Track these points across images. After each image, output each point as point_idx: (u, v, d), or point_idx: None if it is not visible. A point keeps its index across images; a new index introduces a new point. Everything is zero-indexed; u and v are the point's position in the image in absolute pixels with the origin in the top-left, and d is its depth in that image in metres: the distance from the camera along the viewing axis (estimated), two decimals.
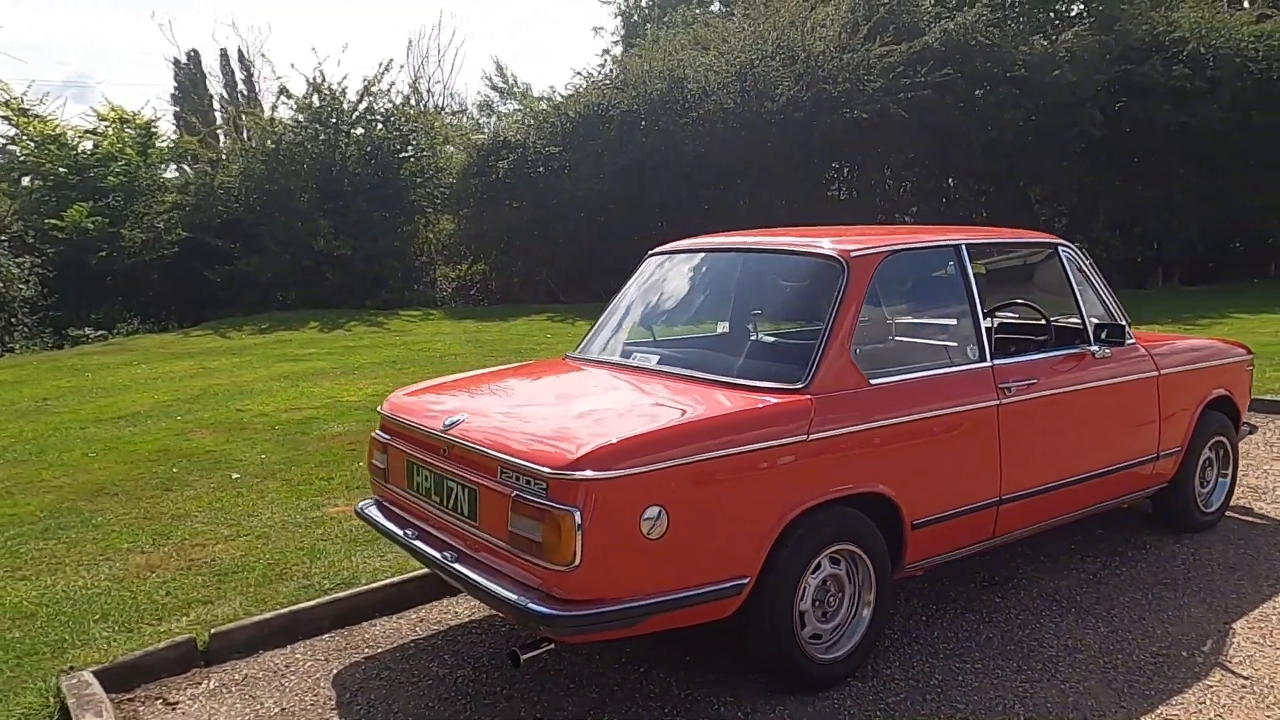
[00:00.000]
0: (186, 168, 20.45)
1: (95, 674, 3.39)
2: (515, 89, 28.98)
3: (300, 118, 19.51)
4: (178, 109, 33.66)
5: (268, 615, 3.85)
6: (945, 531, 3.52)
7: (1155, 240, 20.13)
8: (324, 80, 19.47)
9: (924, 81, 17.57)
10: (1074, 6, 23.27)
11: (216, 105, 35.16)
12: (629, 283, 4.35)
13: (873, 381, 3.33)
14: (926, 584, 4.11)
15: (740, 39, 19.08)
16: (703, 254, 4.23)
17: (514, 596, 2.78)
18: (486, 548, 3.00)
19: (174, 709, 3.35)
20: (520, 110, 21.25)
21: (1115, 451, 4.19)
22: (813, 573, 3.15)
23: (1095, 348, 4.10)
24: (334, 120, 19.34)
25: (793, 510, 3.03)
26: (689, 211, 18.98)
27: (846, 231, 3.95)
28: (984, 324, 3.70)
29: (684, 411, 3.06)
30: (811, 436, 3.09)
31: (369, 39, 44.18)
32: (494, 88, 29.52)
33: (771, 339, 3.77)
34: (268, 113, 20.89)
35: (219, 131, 24.11)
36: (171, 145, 20.29)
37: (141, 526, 5.24)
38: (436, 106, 22.57)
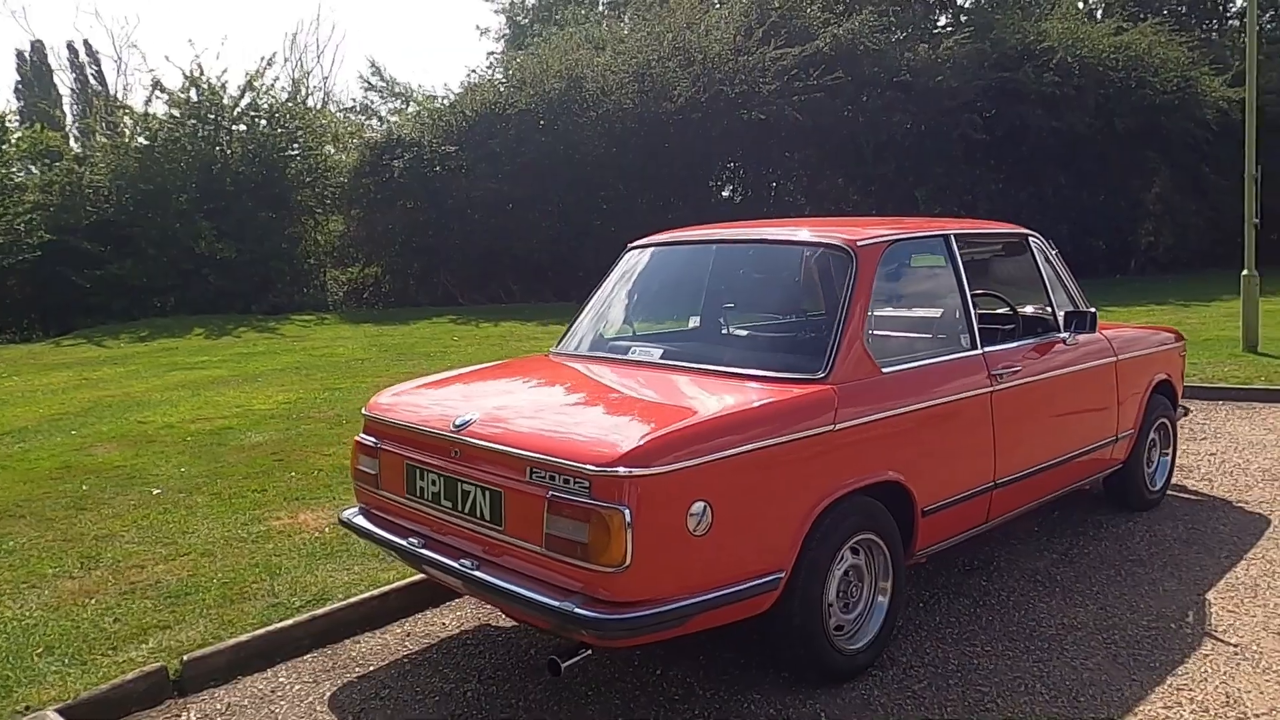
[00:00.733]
0: (34, 167, 18.96)
1: (59, 712, 3.06)
2: (395, 89, 28.26)
3: (176, 113, 18.46)
4: (22, 104, 31.47)
5: (244, 637, 3.56)
6: (950, 517, 3.56)
7: None
8: (202, 74, 18.49)
9: (816, 84, 18.02)
10: (946, 16, 24.33)
11: (66, 100, 32.96)
12: (609, 276, 4.24)
13: (884, 370, 3.33)
14: (915, 572, 4.15)
15: (637, 39, 19.13)
16: (691, 246, 4.17)
17: (555, 602, 2.64)
18: (514, 552, 2.84)
19: None
20: (418, 109, 20.65)
21: (1084, 435, 4.34)
22: (837, 564, 3.12)
23: (1065, 335, 4.23)
24: (214, 116, 18.41)
25: (823, 501, 3.00)
26: (588, 211, 18.93)
27: (832, 222, 3.95)
28: (974, 313, 3.77)
29: (718, 404, 2.98)
30: (837, 426, 3.07)
31: (247, 33, 42.15)
32: (370, 87, 28.69)
33: (780, 330, 3.73)
34: (140, 107, 19.71)
35: (75, 128, 22.62)
36: (27, 142, 18.85)
37: (63, 549, 4.80)
38: (323, 103, 21.73)
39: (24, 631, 3.79)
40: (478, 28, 57.26)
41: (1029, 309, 4.49)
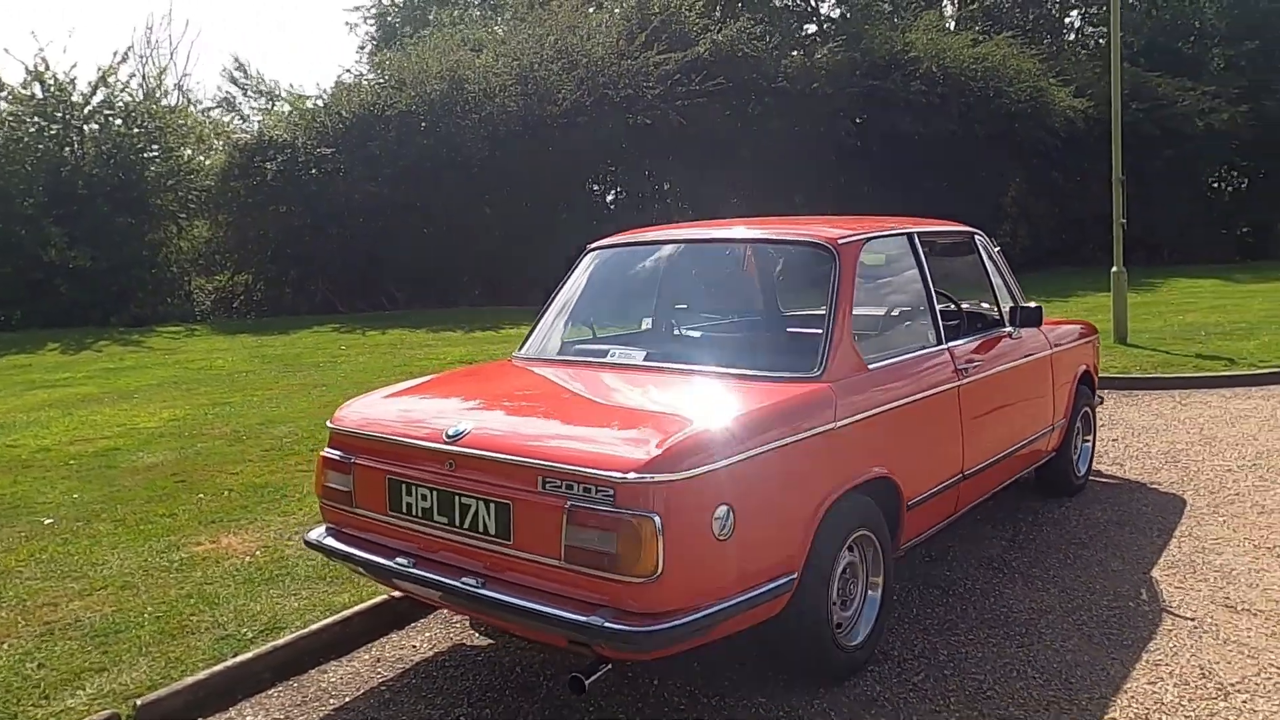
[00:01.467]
0: None
1: None
2: (260, 86, 27.03)
3: (19, 110, 17.06)
4: None
5: (200, 675, 3.26)
6: (928, 510, 3.62)
7: None
8: (47, 68, 17.16)
9: (698, 89, 18.26)
10: (815, 24, 25.12)
11: None
12: (570, 278, 4.12)
13: (870, 367, 3.35)
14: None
15: (518, 41, 18.91)
16: (660, 246, 4.09)
17: (581, 617, 2.52)
18: (524, 567, 2.70)
19: None
20: (290, 109, 19.76)
21: (1030, 425, 4.51)
22: (839, 561, 3.12)
23: (1010, 329, 4.38)
24: (63, 115, 17.11)
25: (827, 500, 2.98)
26: (472, 215, 18.57)
27: (798, 221, 3.96)
28: (938, 309, 3.85)
29: (731, 406, 2.91)
30: (837, 424, 3.06)
31: (95, 27, 39.27)
32: (234, 83, 27.33)
33: (767, 329, 3.70)
34: None
35: None
36: None
37: None
38: (183, 102, 20.53)
39: None
40: (347, 24, 55.42)
41: (965, 304, 4.63)
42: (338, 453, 3.26)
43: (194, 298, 18.94)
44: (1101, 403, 5.82)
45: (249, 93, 26.88)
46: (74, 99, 17.32)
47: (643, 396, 3.22)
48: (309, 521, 5.09)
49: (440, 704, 3.20)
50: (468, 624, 3.85)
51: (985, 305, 4.58)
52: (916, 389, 3.53)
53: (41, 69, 17.11)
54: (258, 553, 4.65)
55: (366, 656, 3.60)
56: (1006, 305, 4.45)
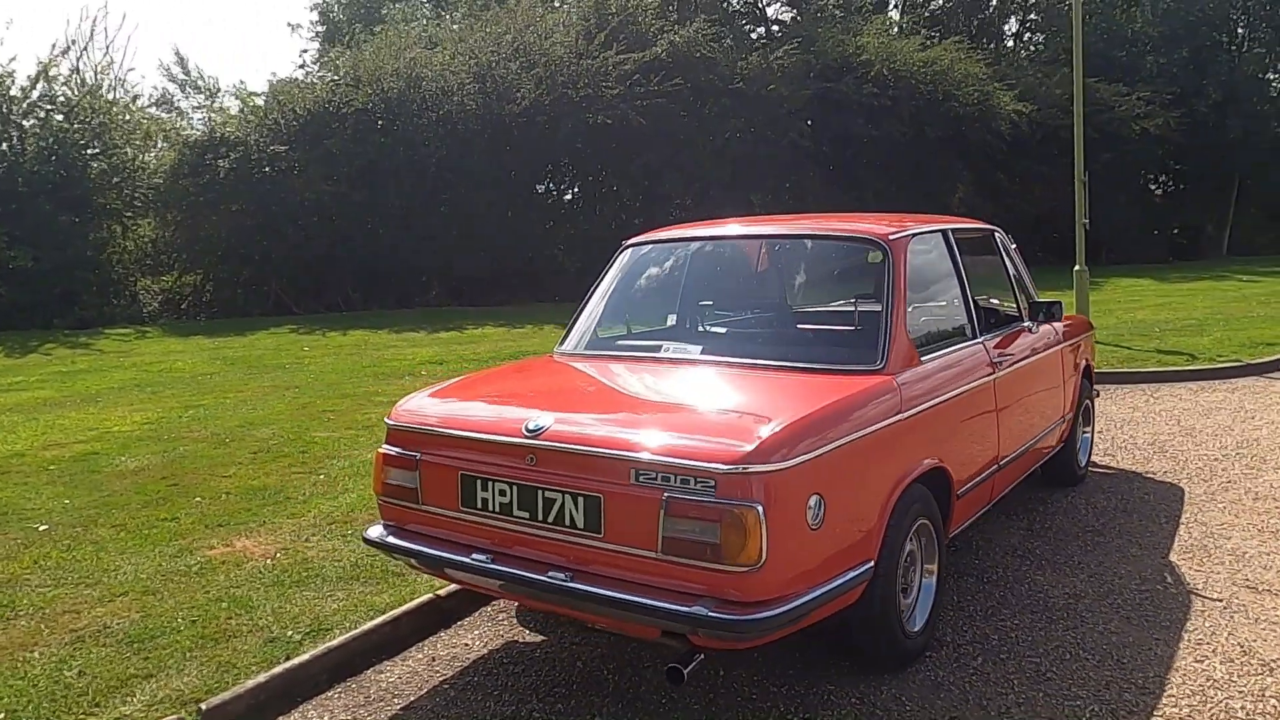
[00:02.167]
0: None
1: None
2: (199, 82, 26.37)
3: None
4: None
5: (260, 679, 3.19)
6: (972, 500, 3.71)
7: None
8: None
9: (657, 90, 18.33)
10: (767, 27, 25.38)
11: None
12: (609, 274, 4.11)
13: (922, 360, 3.43)
14: None
15: (475, 39, 18.77)
16: (702, 242, 4.12)
17: (683, 608, 2.53)
18: (615, 560, 2.70)
19: None
20: (243, 106, 19.30)
21: (1048, 417, 4.64)
22: (905, 549, 3.18)
23: (1029, 324, 4.51)
24: (1, 109, 16.47)
25: (897, 489, 3.04)
26: (431, 214, 18.40)
27: (835, 217, 4.03)
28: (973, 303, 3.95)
29: (814, 397, 2.95)
30: (903, 415, 3.13)
31: (29, 19, 37.70)
32: (172, 79, 26.60)
33: (825, 322, 3.74)
34: None
35: None
36: None
37: None
38: (126, 97, 19.92)
39: None
40: (289, 25, 54.34)
41: (979, 300, 4.75)
42: (398, 449, 3.22)
43: (140, 299, 18.39)
44: (1098, 395, 6.01)
45: (187, 89, 26.23)
46: (13, 93, 16.69)
47: (715, 390, 3.24)
48: (321, 524, 5.03)
49: (509, 700, 3.18)
50: (515, 620, 3.84)
51: (994, 301, 4.71)
52: (962, 381, 3.62)
53: None
54: (278, 555, 4.56)
55: (420, 656, 3.56)
56: (1024, 300, 4.58)
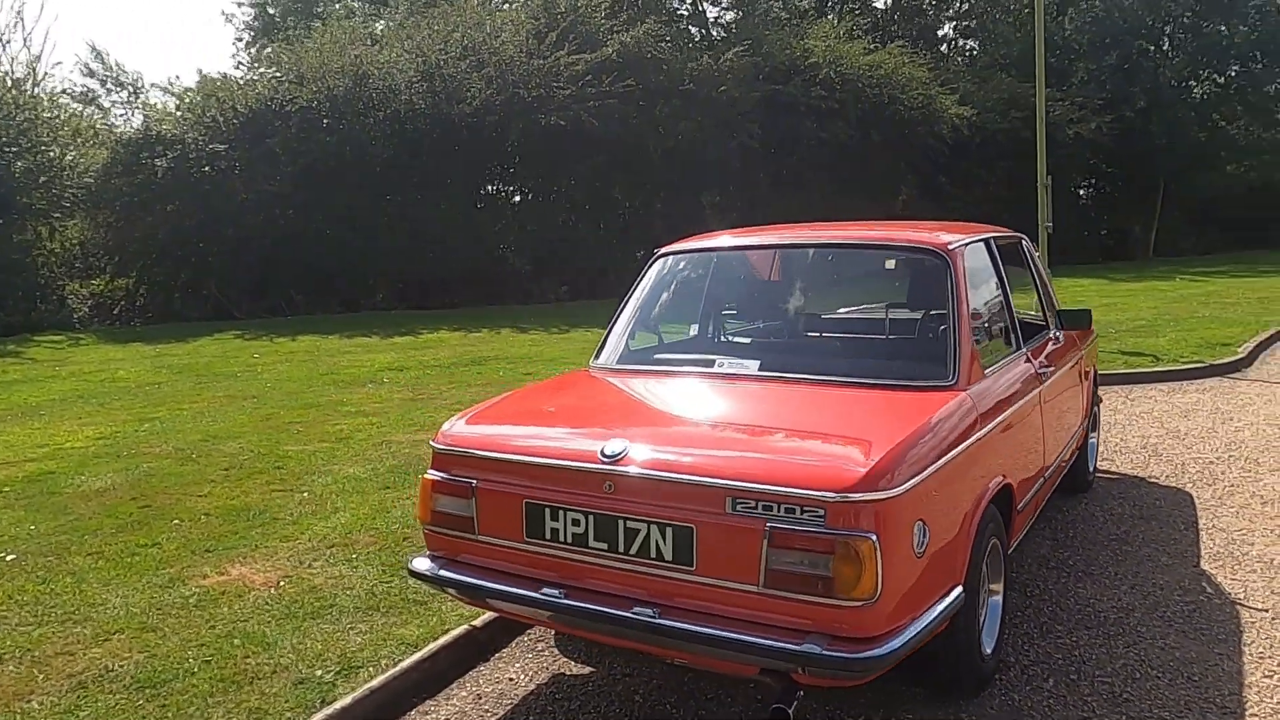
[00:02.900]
0: None
1: None
2: (124, 78, 25.34)
3: None
4: None
5: None
6: (1027, 514, 3.63)
7: None
8: None
9: (609, 91, 18.16)
10: (703, 31, 25.40)
11: None
12: (644, 285, 3.91)
13: (985, 374, 3.33)
14: None
15: (422, 37, 18.35)
16: (749, 251, 3.95)
17: (792, 646, 2.37)
18: (709, 594, 2.52)
19: None
20: (180, 103, 18.51)
21: (1075, 424, 4.61)
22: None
23: (1056, 332, 4.47)
24: None
25: (979, 509, 2.93)
26: (377, 215, 17.94)
27: (883, 225, 3.92)
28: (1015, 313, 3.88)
29: (908, 419, 2.80)
30: (980, 432, 3.02)
31: None
32: (90, 74, 25.44)
33: (888, 336, 3.61)
34: None
35: None
36: None
37: None
38: (61, 91, 18.96)
39: None
40: (223, 13, 52.55)
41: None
42: (449, 475, 3.00)
43: (69, 304, 17.53)
44: (1101, 402, 6.03)
45: (109, 85, 25.18)
46: None
47: (794, 410, 3.08)
48: (320, 548, 4.74)
49: None
50: (556, 650, 3.63)
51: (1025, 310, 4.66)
52: (1018, 394, 3.53)
53: None
54: (282, 584, 4.27)
55: (464, 693, 3.33)
56: (1050, 308, 4.53)
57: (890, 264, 3.75)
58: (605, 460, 2.67)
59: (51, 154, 17.08)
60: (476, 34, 18.25)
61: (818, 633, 2.40)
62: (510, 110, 17.67)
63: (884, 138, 21.88)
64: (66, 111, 18.57)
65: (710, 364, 3.44)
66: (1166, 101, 27.47)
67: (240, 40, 29.73)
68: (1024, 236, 4.67)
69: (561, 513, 2.74)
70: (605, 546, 2.67)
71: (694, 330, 3.96)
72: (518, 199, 20.24)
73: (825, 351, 3.68)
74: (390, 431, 7.49)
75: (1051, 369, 4.09)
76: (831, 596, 2.37)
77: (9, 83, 17.31)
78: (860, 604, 2.37)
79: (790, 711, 2.45)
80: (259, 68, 19.65)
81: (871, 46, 23.04)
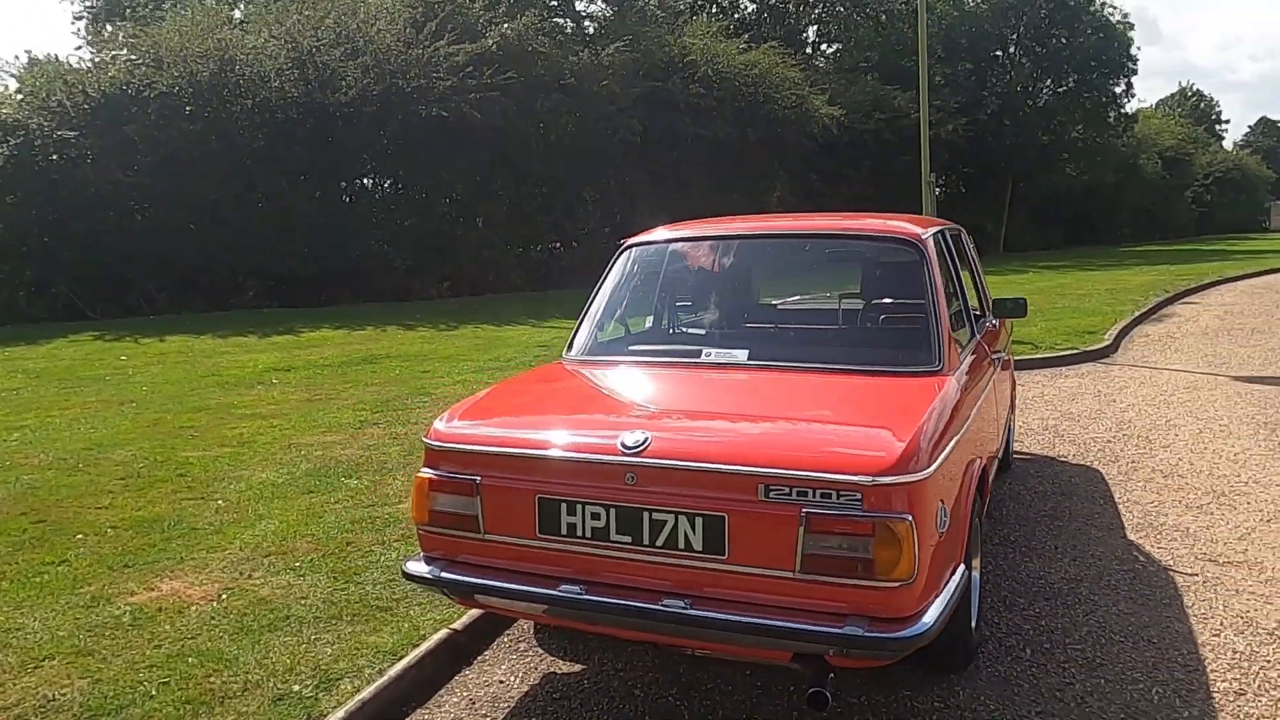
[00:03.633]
0: None
1: None
2: None
3: None
4: None
5: None
6: (988, 493, 3.78)
7: None
8: None
9: (490, 83, 17.87)
10: (574, 24, 25.33)
11: None
12: (613, 276, 3.83)
13: (959, 359, 3.45)
14: None
15: (293, 22, 17.54)
16: (724, 241, 3.94)
17: (833, 629, 2.38)
18: (743, 583, 2.51)
19: None
20: (20, 85, 17.01)
21: (1007, 409, 4.84)
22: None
23: (993, 320, 4.68)
24: None
25: (970, 490, 3.03)
26: (247, 209, 17.08)
27: (855, 216, 4.00)
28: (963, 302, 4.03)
29: (909, 403, 2.86)
30: (968, 416, 3.12)
31: None
32: None
33: (860, 324, 3.66)
34: None
35: None
36: None
37: None
38: None
39: None
40: None
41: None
42: (448, 473, 2.86)
43: None
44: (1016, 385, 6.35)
45: None
46: None
47: (801, 397, 3.09)
48: (255, 557, 4.47)
49: None
50: (540, 649, 3.54)
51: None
52: (983, 378, 3.68)
53: None
54: (224, 596, 4.00)
55: (455, 699, 3.20)
56: (987, 297, 4.74)
57: (862, 253, 3.84)
58: (626, 451, 2.61)
59: None
60: (350, 21, 17.60)
61: (855, 615, 2.42)
62: (388, 100, 17.13)
63: (760, 136, 22.39)
64: None
65: (696, 354, 3.43)
66: (1016, 106, 29.28)
67: (81, 19, 27.67)
68: (962, 229, 4.87)
69: (580, 507, 2.67)
70: (629, 539, 2.62)
71: (667, 322, 3.94)
72: (396, 192, 19.64)
73: (810, 340, 3.72)
74: (294, 434, 7.14)
75: (997, 355, 4.28)
76: (871, 578, 2.40)
77: None
78: (899, 584, 2.40)
79: (829, 693, 2.47)
80: (111, 49, 18.26)
81: (745, 46, 23.54)
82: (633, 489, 2.61)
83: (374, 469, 6.01)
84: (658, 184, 21.76)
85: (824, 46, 34.16)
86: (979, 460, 3.31)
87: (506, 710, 3.13)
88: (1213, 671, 3.21)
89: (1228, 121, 60.13)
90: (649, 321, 3.94)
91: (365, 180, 19.14)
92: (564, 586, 2.67)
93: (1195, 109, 54.53)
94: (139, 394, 9.24)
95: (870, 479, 2.41)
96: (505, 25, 18.81)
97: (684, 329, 3.87)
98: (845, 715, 3.01)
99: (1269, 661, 3.27)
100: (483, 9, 19.15)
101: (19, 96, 16.24)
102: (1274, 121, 71.01)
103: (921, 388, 3.01)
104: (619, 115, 20.21)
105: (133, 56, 16.73)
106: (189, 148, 16.02)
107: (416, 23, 17.86)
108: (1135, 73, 31.60)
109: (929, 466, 2.52)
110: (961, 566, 2.85)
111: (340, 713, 2.91)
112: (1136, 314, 12.91)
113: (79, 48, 27.66)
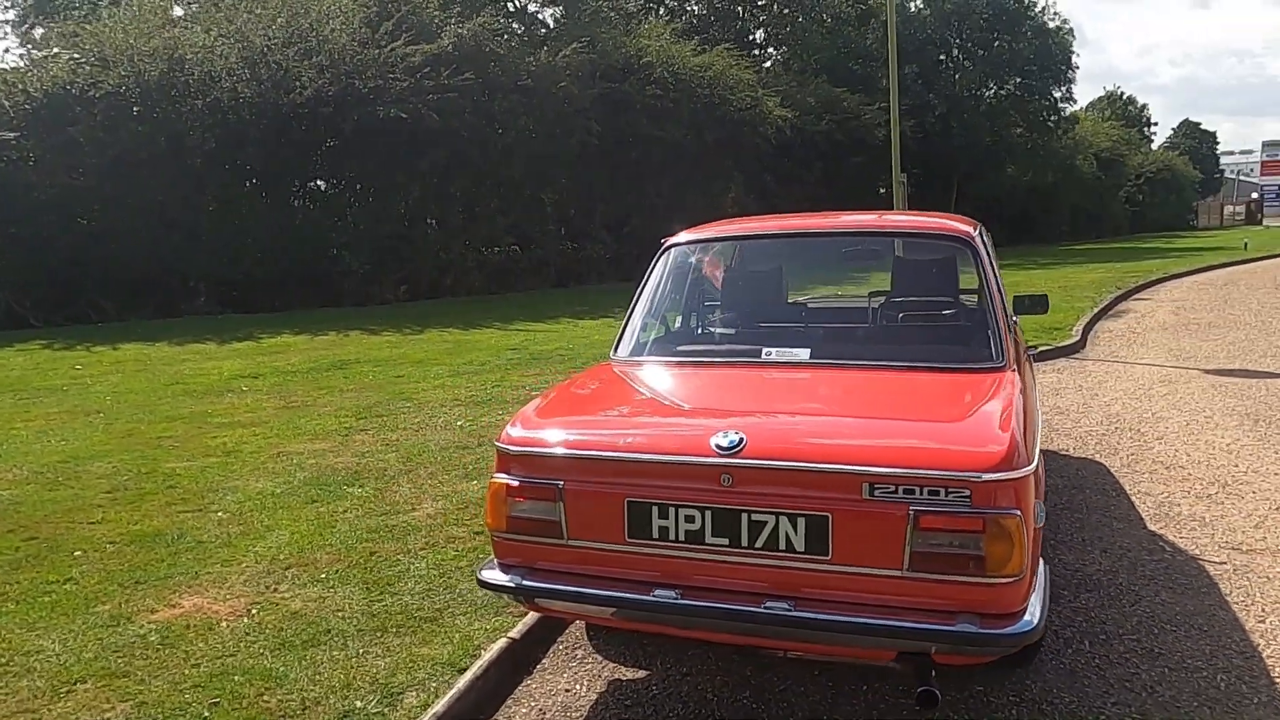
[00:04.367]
0: None
1: None
2: None
3: None
4: None
5: None
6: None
7: (640, 239, 22.89)
8: None
9: (447, 84, 17.65)
10: (535, 27, 25.19)
11: None
12: (659, 276, 3.77)
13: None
14: None
15: (243, 20, 17.10)
16: (777, 240, 3.90)
17: (947, 627, 2.37)
18: (848, 582, 2.48)
19: None
20: None
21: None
22: None
23: (1015, 316, 4.72)
24: None
25: (1043, 482, 3.05)
26: (198, 213, 16.62)
27: (904, 214, 3.99)
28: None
29: (995, 399, 2.85)
30: (1035, 408, 3.14)
31: None
32: None
33: (919, 321, 3.64)
34: None
35: None
36: None
37: None
38: None
39: None
40: None
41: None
42: (527, 478, 2.78)
43: None
44: None
45: None
46: None
47: (881, 394, 3.06)
48: (275, 569, 4.33)
49: None
50: (599, 657, 3.47)
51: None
52: (1028, 372, 3.71)
53: None
54: (254, 611, 3.86)
55: (524, 710, 3.11)
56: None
57: (916, 251, 3.84)
58: (722, 452, 2.56)
59: None
60: (302, 20, 17.23)
61: (966, 611, 2.41)
62: (344, 101, 16.80)
63: (715, 137, 22.50)
64: None
65: (755, 354, 3.38)
66: (961, 109, 29.88)
67: (6, 22, 26.64)
68: (981, 225, 4.90)
69: (673, 510, 2.61)
70: (726, 542, 2.57)
71: (716, 321, 3.89)
72: (353, 195, 19.26)
73: (868, 338, 3.70)
74: (280, 442, 6.95)
75: (1031, 349, 4.33)
76: (983, 575, 2.39)
77: None
78: (1009, 580, 2.40)
79: (936, 691, 2.45)
80: (48, 48, 17.59)
81: (700, 48, 23.63)
82: (729, 490, 2.56)
83: (375, 477, 5.87)
84: (616, 185, 21.74)
85: (771, 50, 34.48)
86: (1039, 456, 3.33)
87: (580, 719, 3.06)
88: (1269, 658, 3.27)
89: (1156, 124, 62.12)
90: (695, 321, 3.89)
91: (320, 182, 18.74)
92: (658, 591, 2.61)
93: (1125, 112, 56.32)
94: (103, 404, 8.91)
95: (981, 475, 2.39)
96: (462, 26, 18.58)
97: (734, 328, 3.83)
98: (924, 712, 2.99)
99: None
100: (437, 9, 18.90)
101: None
102: (1196, 124, 73.70)
103: (994, 384, 3.02)
104: (576, 116, 20.12)
105: (76, 55, 16.14)
106: (137, 149, 15.52)
107: (371, 22, 17.56)
108: (1074, 80, 32.59)
109: (1031, 462, 2.52)
110: (1042, 561, 2.85)
111: None
112: (1095, 310, 13.23)
113: (6, 50, 26.63)
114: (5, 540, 4.92)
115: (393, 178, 18.34)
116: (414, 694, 3.09)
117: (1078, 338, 10.67)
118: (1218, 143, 73.16)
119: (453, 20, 18.81)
